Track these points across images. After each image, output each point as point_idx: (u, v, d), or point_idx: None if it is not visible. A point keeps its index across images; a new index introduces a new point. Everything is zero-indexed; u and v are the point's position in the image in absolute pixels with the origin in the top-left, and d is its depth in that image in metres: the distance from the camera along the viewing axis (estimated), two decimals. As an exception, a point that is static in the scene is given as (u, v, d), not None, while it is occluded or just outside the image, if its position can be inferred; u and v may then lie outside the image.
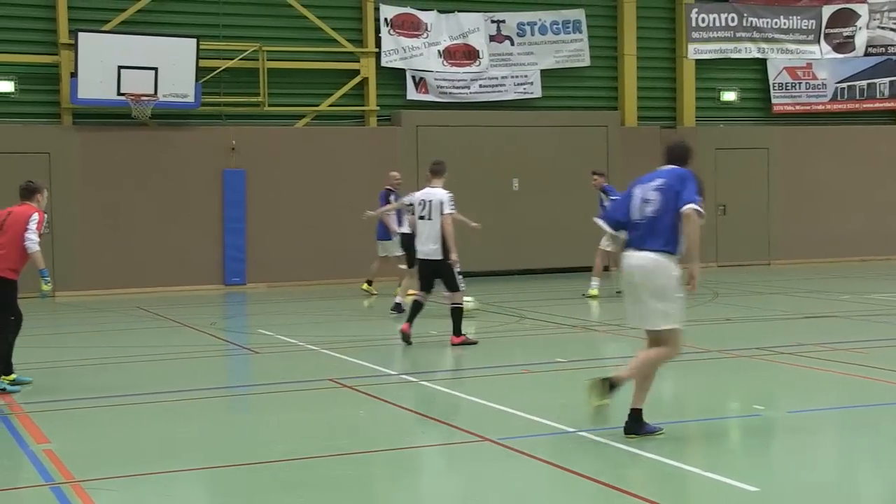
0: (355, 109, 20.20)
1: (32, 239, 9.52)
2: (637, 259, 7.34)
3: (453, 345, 11.58)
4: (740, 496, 6.18)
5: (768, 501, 6.13)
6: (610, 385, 7.39)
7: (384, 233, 16.31)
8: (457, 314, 11.66)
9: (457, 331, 11.63)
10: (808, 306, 15.02)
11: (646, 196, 7.35)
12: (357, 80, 20.07)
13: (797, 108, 22.62)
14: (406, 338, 11.66)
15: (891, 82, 23.03)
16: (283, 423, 8.36)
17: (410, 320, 11.81)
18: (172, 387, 9.78)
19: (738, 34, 22.16)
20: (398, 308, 14.15)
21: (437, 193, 11.84)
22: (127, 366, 11.09)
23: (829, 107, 22.76)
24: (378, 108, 20.23)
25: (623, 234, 7.53)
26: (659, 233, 7.22)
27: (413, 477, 7.00)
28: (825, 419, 8.26)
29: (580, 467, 6.80)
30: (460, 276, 11.82)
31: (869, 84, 22.95)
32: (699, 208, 7.18)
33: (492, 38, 20.87)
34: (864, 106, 23.01)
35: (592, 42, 21.42)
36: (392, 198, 16.56)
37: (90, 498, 6.24)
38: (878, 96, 23.03)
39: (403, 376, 10.03)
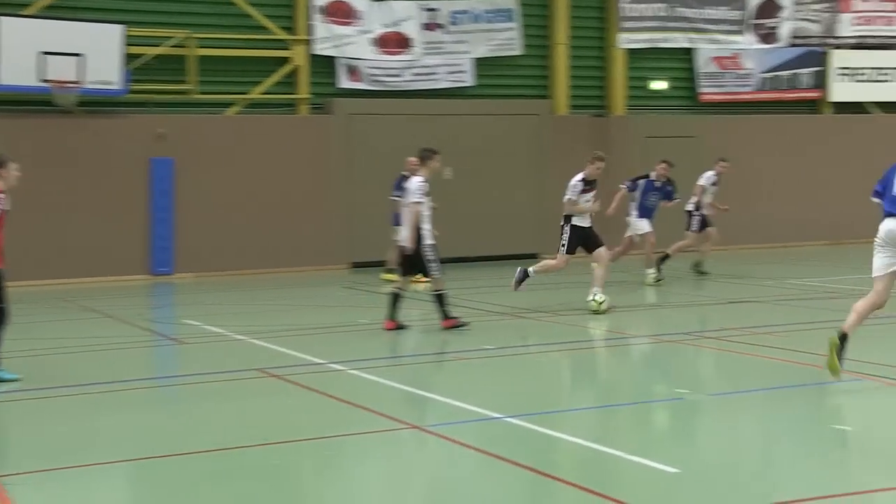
0: (287, 98, 20.07)
1: None
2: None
3: (444, 328, 11.74)
4: (661, 478, 6.28)
5: (688, 482, 6.24)
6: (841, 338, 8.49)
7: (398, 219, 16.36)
8: (439, 300, 11.80)
9: (444, 315, 11.79)
10: (733, 292, 15.28)
11: None
12: (288, 68, 19.94)
13: (724, 97, 22.96)
14: (397, 328, 11.87)
15: (813, 73, 23.49)
16: (210, 414, 8.31)
17: (392, 316, 11.90)
18: (97, 379, 9.66)
19: (667, 24, 22.41)
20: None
21: (412, 181, 12.04)
22: (50, 358, 10.91)
23: (755, 96, 23.13)
24: (311, 96, 20.11)
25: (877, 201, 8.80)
26: None
27: (340, 465, 6.99)
28: (746, 401, 8.42)
29: (507, 453, 6.86)
30: (436, 264, 11.80)
31: (793, 74, 23.37)
32: None
33: (425, 27, 20.86)
34: (788, 96, 23.44)
35: (525, 31, 21.51)
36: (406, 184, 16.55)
37: (6, 494, 6.12)
38: (801, 86, 23.46)
39: (332, 365, 10.01)
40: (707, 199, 17.42)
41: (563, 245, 13.26)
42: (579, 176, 13.36)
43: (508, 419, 7.74)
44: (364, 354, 10.61)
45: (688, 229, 17.33)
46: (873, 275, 8.70)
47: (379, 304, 13.34)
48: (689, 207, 17.37)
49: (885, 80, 23.93)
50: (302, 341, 11.45)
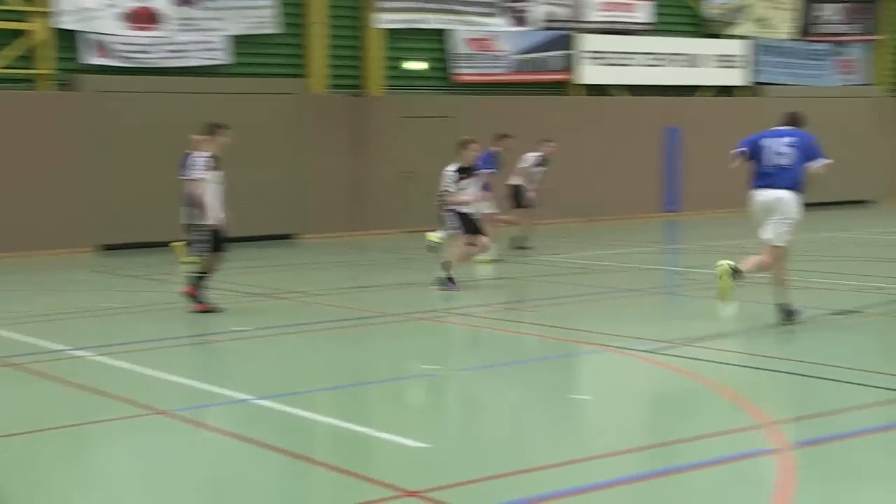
0: (27, 73, 18.95)
1: None
2: (774, 194, 9.63)
3: (194, 311, 11.46)
4: (410, 453, 6.37)
5: (435, 456, 6.35)
6: (734, 271, 9.62)
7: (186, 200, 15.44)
8: (196, 281, 11.58)
9: (196, 299, 11.53)
10: (485, 269, 15.63)
11: (778, 150, 9.66)
12: (28, 41, 18.83)
13: (478, 78, 23.47)
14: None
15: (563, 56, 24.39)
16: (-63, 408, 7.76)
17: (195, 283, 11.58)
18: None
19: (424, 5, 22.64)
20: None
21: (195, 157, 11.86)
22: None
23: (508, 77, 23.78)
24: (55, 71, 19.06)
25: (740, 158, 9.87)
26: (791, 177, 9.63)
27: (83, 455, 6.71)
28: (494, 375, 8.65)
29: (259, 435, 6.77)
30: (205, 245, 11.52)
31: (544, 57, 24.18)
32: (827, 161, 9.87)
33: (177, 2, 20.17)
34: (540, 77, 24.24)
35: (281, 9, 21.20)
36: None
37: None
38: (551, 69, 24.32)
39: (75, 352, 9.57)
40: (535, 178, 18.15)
41: (458, 229, 13.04)
42: (453, 166, 13.21)
43: (260, 401, 7.63)
44: (110, 340, 10.18)
45: (518, 204, 18.02)
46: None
47: (128, 289, 12.89)
48: (516, 182, 17.99)
49: (629, 64, 25.15)
50: (43, 328, 10.88)
